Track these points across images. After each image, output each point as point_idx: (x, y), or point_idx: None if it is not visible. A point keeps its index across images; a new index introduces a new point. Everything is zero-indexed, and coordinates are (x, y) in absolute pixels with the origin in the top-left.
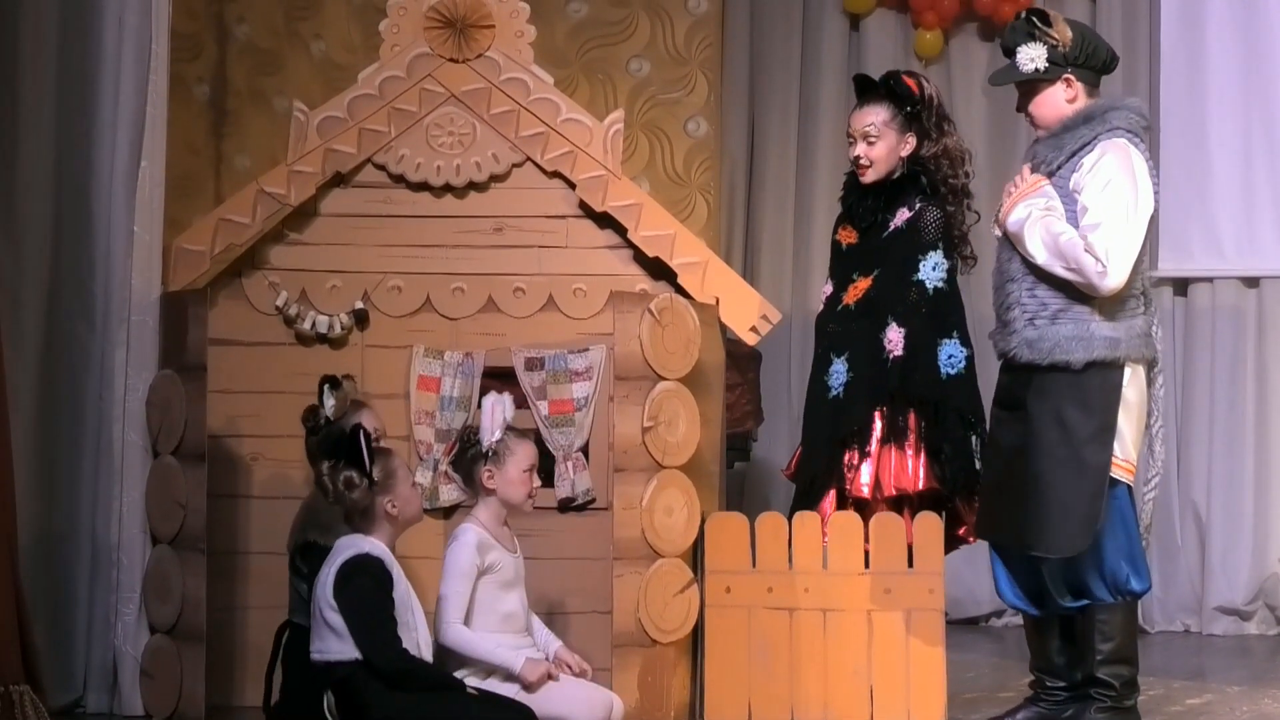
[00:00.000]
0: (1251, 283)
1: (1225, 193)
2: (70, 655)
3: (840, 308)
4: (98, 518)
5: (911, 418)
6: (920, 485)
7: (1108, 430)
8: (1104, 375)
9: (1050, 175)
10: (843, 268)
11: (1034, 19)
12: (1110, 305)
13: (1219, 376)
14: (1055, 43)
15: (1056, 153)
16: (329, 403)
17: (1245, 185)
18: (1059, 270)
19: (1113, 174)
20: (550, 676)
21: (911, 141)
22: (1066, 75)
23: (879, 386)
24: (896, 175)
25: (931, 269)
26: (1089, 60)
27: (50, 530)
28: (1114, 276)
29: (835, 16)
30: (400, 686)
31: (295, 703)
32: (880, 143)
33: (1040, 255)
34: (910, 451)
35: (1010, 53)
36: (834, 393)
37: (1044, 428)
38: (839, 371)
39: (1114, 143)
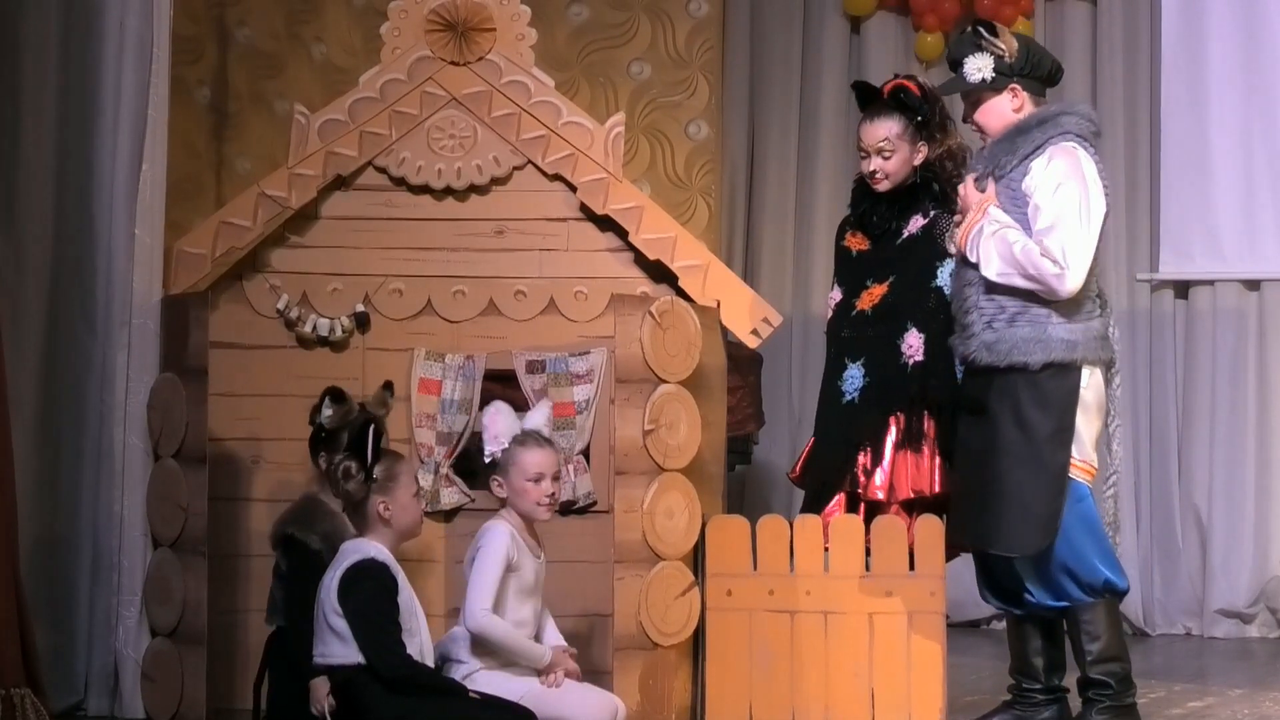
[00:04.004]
0: (1252, 285)
1: (1226, 195)
2: (71, 658)
3: (855, 313)
4: (99, 521)
5: (927, 422)
6: (936, 489)
7: (1065, 431)
8: (1062, 376)
9: (999, 179)
10: (854, 274)
11: (980, 30)
12: (1067, 307)
13: (1220, 379)
14: (1001, 53)
15: (1009, 156)
16: (326, 413)
17: (1246, 188)
18: (1016, 280)
19: (1062, 177)
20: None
21: (924, 150)
22: (1012, 85)
23: (896, 391)
24: (909, 183)
25: (949, 276)
26: (1034, 70)
27: (51, 533)
28: (1073, 278)
29: (836, 19)
30: (403, 691)
31: (286, 709)
32: (895, 156)
33: (994, 266)
34: (926, 455)
35: (957, 64)
36: (849, 397)
37: (1004, 428)
38: (854, 376)
39: (1062, 147)
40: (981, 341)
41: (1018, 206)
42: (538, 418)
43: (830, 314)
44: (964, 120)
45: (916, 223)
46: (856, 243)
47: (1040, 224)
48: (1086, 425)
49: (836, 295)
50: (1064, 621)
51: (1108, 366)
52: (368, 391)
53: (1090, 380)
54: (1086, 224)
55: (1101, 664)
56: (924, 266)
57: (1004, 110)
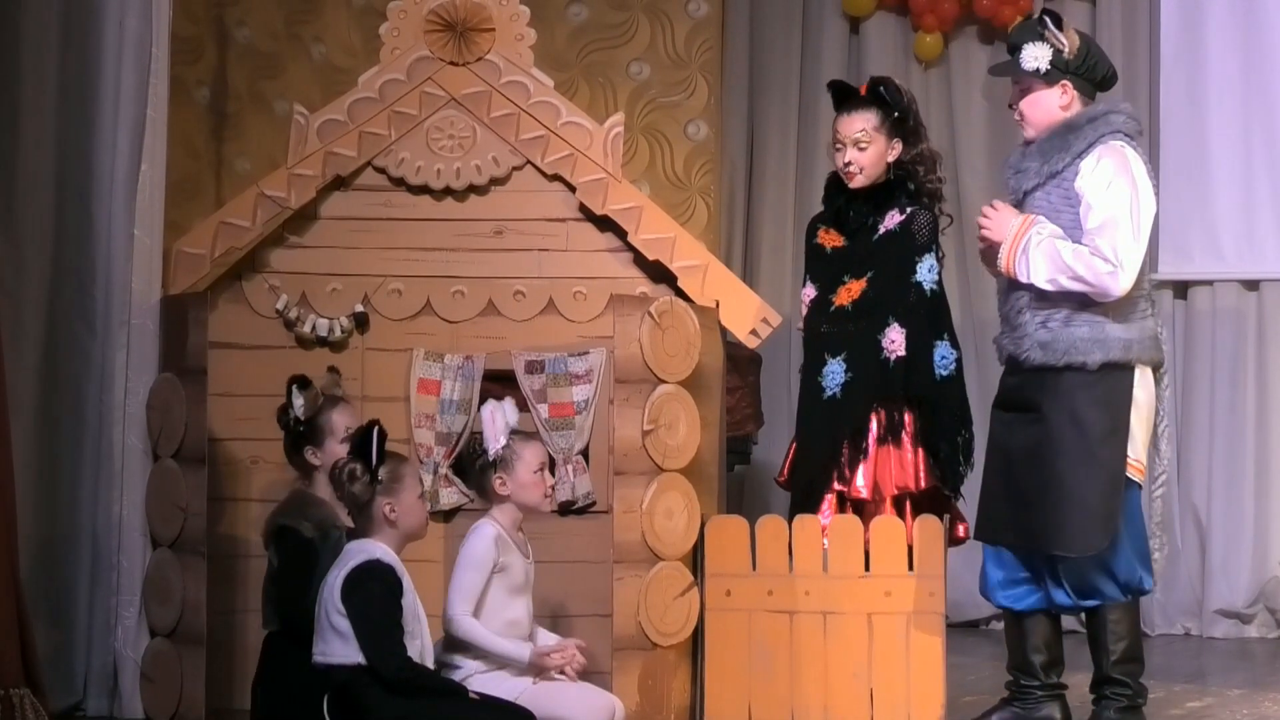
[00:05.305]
0: (1251, 285)
1: (1225, 195)
2: (70, 658)
3: (834, 309)
4: (98, 521)
5: (908, 417)
6: (922, 484)
7: (1121, 430)
8: (1117, 376)
9: (1053, 176)
10: (829, 270)
11: (1046, 20)
12: (1123, 308)
13: (1219, 379)
14: (1061, 48)
15: (1062, 153)
16: (297, 402)
17: (1245, 188)
18: (1064, 283)
19: (1112, 176)
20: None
21: (898, 148)
22: (1064, 81)
23: (879, 386)
24: (882, 180)
25: (927, 271)
26: (1089, 72)
27: (51, 533)
28: (1125, 276)
29: (835, 19)
30: (403, 693)
31: (282, 712)
32: (871, 148)
33: (1042, 274)
34: (908, 451)
35: (1015, 49)
36: (830, 393)
37: (1060, 427)
38: (835, 372)
39: (1110, 146)
40: (1035, 340)
41: (1070, 205)
42: (511, 414)
43: (805, 311)
44: (1009, 106)
45: (893, 218)
46: (830, 240)
47: (1091, 223)
48: (1139, 424)
49: (810, 292)
50: (1087, 619)
51: (1157, 367)
52: (368, 392)
53: (1142, 380)
54: (1137, 222)
55: (1124, 664)
56: (903, 261)
57: (1051, 105)
